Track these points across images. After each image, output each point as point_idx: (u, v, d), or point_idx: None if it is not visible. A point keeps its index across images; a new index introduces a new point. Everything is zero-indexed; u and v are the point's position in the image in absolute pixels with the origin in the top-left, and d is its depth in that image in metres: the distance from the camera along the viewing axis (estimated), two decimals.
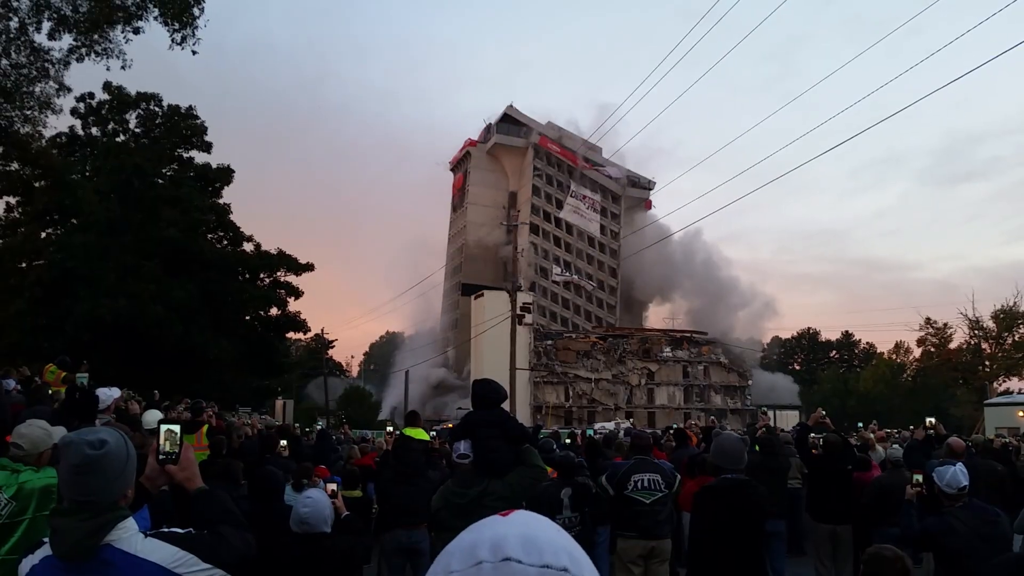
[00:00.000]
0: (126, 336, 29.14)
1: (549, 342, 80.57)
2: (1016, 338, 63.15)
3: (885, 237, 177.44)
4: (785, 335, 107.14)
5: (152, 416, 9.34)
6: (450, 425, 27.59)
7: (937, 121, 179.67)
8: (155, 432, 2.93)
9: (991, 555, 4.85)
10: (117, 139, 36.76)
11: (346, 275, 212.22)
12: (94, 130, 36.79)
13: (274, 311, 38.04)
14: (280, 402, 59.21)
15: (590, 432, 15.76)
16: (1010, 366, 62.49)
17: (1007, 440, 17.63)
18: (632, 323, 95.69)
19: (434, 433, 14.63)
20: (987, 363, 63.58)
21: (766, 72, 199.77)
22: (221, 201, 38.23)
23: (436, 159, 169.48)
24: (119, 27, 19.21)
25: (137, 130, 37.59)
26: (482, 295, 75.91)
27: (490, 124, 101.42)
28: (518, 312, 37.41)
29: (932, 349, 69.95)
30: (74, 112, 35.21)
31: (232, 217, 38.18)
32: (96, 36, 19.17)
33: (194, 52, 19.58)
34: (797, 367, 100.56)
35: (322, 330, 63.39)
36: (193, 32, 19.27)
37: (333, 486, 5.94)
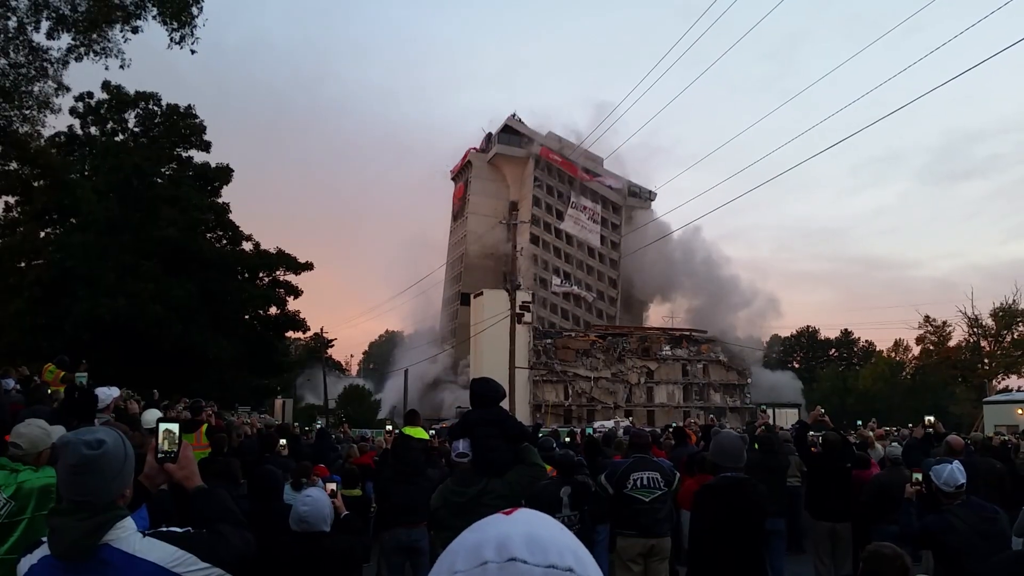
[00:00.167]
0: (125, 335, 29.13)
1: (548, 341, 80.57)
2: (1015, 336, 63.22)
3: (884, 235, 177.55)
4: (784, 333, 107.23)
5: (151, 415, 9.34)
6: (446, 424, 27.64)
7: (936, 119, 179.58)
8: (154, 431, 2.93)
9: (990, 553, 4.86)
10: (116, 138, 36.74)
11: (345, 274, 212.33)
12: (93, 129, 36.78)
13: (273, 310, 38.05)
14: (279, 401, 59.26)
15: (589, 431, 15.75)
16: (1009, 364, 62.56)
17: (1006, 438, 17.67)
18: (632, 323, 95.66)
19: (433, 432, 14.62)
20: (986, 361, 63.64)
21: (765, 70, 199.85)
22: (220, 200, 38.24)
23: (435, 158, 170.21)
24: (118, 26, 19.22)
25: (136, 129, 37.57)
26: (481, 294, 75.93)
27: (491, 133, 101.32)
28: (517, 311, 37.44)
29: (931, 347, 70.03)
30: (73, 111, 35.21)
31: (231, 216, 38.24)
32: (95, 35, 19.17)
33: (193, 51, 19.61)
34: (796, 365, 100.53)
35: (321, 329, 63.37)
36: (192, 31, 19.28)
37: (333, 486, 5.94)
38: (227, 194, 39.05)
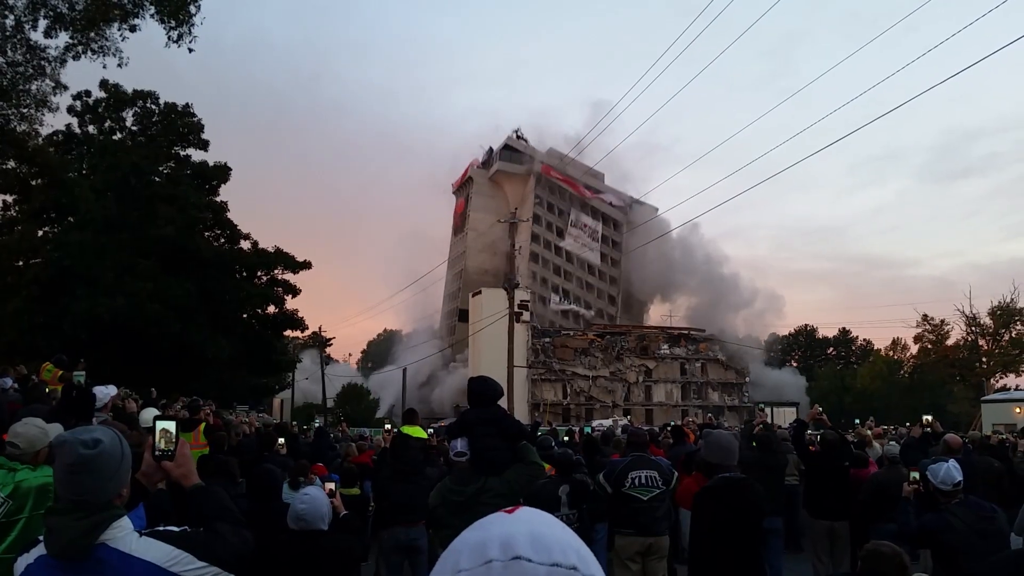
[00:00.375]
0: (123, 334, 29.11)
1: (547, 340, 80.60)
2: (1013, 335, 63.34)
3: (883, 234, 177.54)
4: (783, 332, 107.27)
5: (149, 414, 9.33)
6: (443, 423, 27.58)
7: (935, 118, 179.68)
8: (151, 429, 2.93)
9: (989, 551, 4.86)
10: (114, 137, 36.69)
11: (344, 273, 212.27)
12: (91, 128, 36.73)
13: (271, 309, 38.01)
14: (278, 400, 59.29)
15: (587, 429, 15.75)
16: (1007, 363, 62.68)
17: (1004, 436, 17.69)
18: (632, 322, 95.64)
19: (431, 431, 14.63)
20: (984, 360, 63.77)
21: (763, 69, 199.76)
22: (218, 199, 38.17)
23: (434, 157, 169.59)
24: (115, 25, 19.18)
25: (134, 128, 37.51)
26: (480, 293, 75.90)
27: (492, 149, 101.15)
28: (516, 309, 37.44)
29: (929, 346, 70.17)
30: (71, 110, 35.18)
31: (229, 215, 38.15)
32: (92, 34, 19.13)
33: (190, 50, 19.59)
34: (795, 364, 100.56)
35: (320, 328, 63.38)
36: (189, 30, 19.26)
37: (332, 485, 5.94)
38: (225, 193, 38.99)
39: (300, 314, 38.87)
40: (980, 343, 65.50)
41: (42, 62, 19.77)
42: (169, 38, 19.20)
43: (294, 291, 38.22)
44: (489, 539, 0.93)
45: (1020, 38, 13.68)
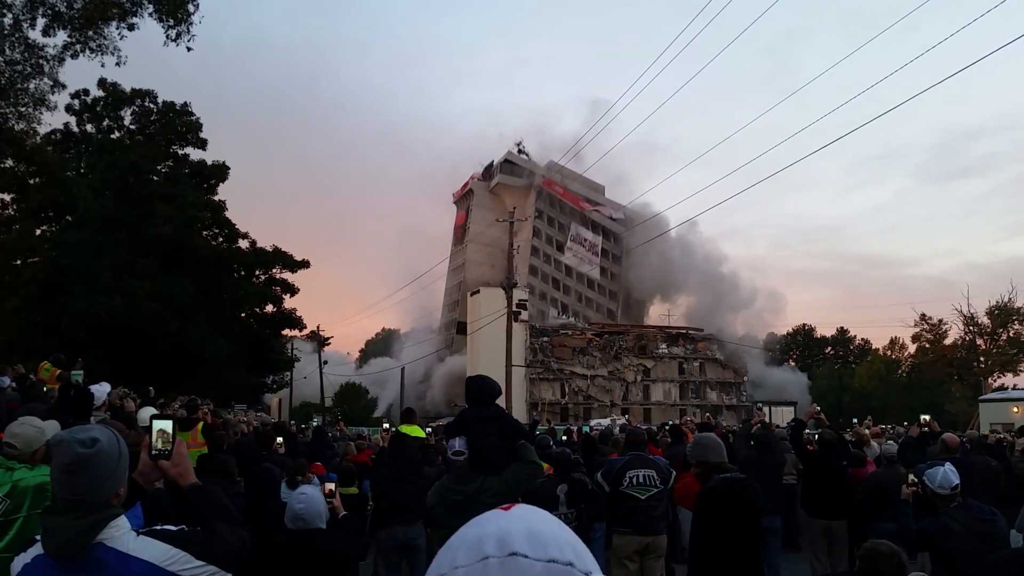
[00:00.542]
0: (121, 333, 29.10)
1: (545, 339, 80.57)
2: (1011, 334, 63.38)
3: (881, 233, 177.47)
4: (781, 331, 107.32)
5: (147, 413, 9.31)
6: (442, 422, 27.64)
7: (933, 117, 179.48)
8: (148, 429, 2.93)
9: (988, 554, 4.86)
10: (112, 136, 36.66)
11: (342, 272, 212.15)
12: (89, 127, 36.69)
13: (270, 308, 38.00)
14: (276, 399, 59.25)
15: (586, 429, 15.75)
16: (1005, 362, 62.71)
17: (1002, 436, 17.70)
18: (632, 322, 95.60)
19: (430, 430, 14.64)
20: (982, 359, 63.80)
21: (762, 68, 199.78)
22: (216, 198, 38.16)
23: (433, 157, 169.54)
24: (113, 23, 19.17)
25: (132, 127, 37.48)
26: (478, 292, 75.87)
27: (492, 163, 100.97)
28: (514, 308, 37.42)
29: (927, 345, 70.20)
30: (69, 109, 35.13)
31: (227, 214, 38.15)
32: (90, 32, 19.11)
33: (189, 48, 19.59)
34: (792, 363, 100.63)
35: (318, 327, 63.32)
36: (188, 28, 19.25)
37: (331, 485, 5.94)
38: (223, 192, 39.01)
39: (298, 313, 38.94)
40: (978, 342, 65.54)
41: (40, 61, 19.75)
42: (167, 37, 19.20)
43: (292, 290, 38.24)
44: (486, 535, 0.93)
45: (1019, 38, 13.69)
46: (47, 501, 3.73)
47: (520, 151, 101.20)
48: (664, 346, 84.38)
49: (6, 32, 18.90)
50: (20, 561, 2.55)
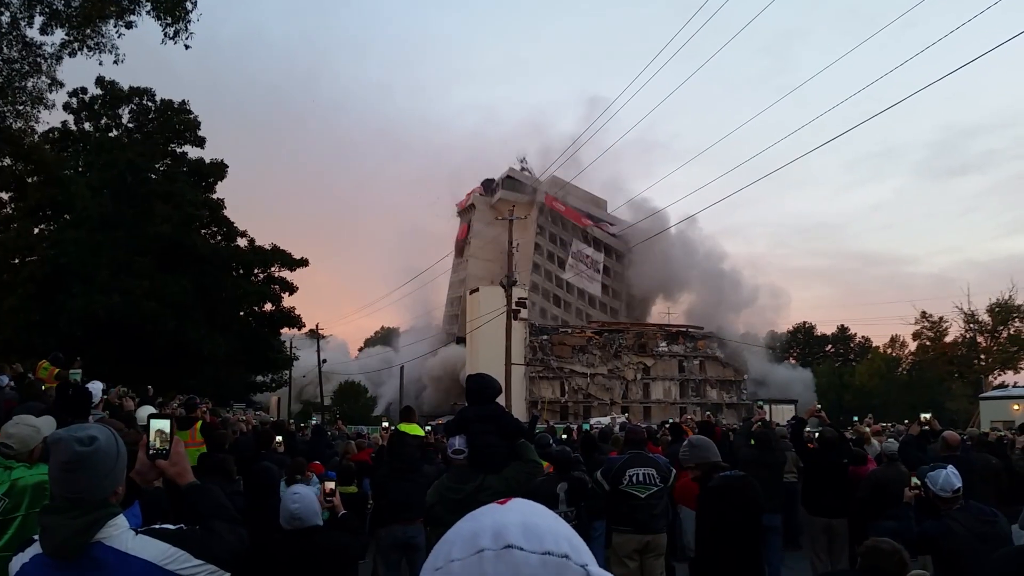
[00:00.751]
0: (120, 332, 29.09)
1: (544, 337, 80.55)
2: (1011, 331, 63.35)
3: (881, 231, 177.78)
4: (781, 330, 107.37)
5: (146, 412, 9.29)
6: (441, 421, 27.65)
7: (932, 115, 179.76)
8: (146, 428, 2.91)
9: (990, 555, 4.85)
10: (110, 134, 36.66)
11: (341, 271, 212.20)
12: (87, 125, 36.68)
13: (268, 307, 37.99)
14: (275, 397, 59.20)
15: (586, 427, 15.74)
16: (1005, 360, 62.68)
17: (1002, 433, 17.67)
18: (635, 320, 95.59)
19: (429, 428, 14.62)
20: (982, 357, 63.78)
21: (761, 66, 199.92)
22: (215, 196, 38.13)
23: (432, 154, 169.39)
24: (111, 21, 19.11)
25: (130, 125, 37.47)
26: (477, 291, 75.85)
27: (495, 179, 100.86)
28: (513, 307, 37.41)
29: (928, 343, 70.15)
30: (67, 107, 35.11)
31: (226, 212, 38.12)
32: (88, 30, 19.06)
33: (187, 46, 19.52)
34: (793, 361, 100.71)
35: (317, 326, 63.29)
36: (186, 26, 19.18)
37: (331, 484, 5.92)
38: (222, 190, 38.99)
39: (297, 312, 38.93)
40: (978, 340, 65.53)
41: (38, 59, 19.71)
42: (165, 35, 19.15)
43: (291, 288, 38.20)
44: (481, 529, 0.94)
45: (1018, 35, 13.66)
46: (45, 500, 3.72)
47: (523, 168, 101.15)
48: (664, 344, 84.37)
49: (3, 30, 18.87)
50: (19, 561, 2.54)
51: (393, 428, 9.77)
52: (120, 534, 2.51)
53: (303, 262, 38.02)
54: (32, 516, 4.01)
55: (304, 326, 42.33)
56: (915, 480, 6.02)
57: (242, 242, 37.89)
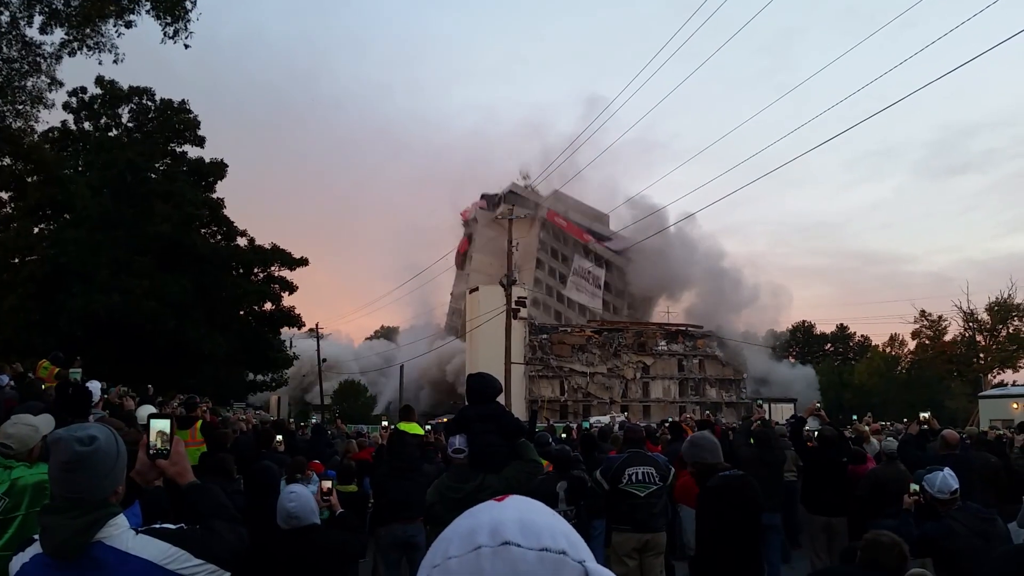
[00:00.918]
0: (120, 331, 29.06)
1: (544, 336, 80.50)
2: (1010, 330, 63.48)
3: (880, 230, 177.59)
4: (781, 329, 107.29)
5: (146, 411, 9.30)
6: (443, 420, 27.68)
7: (932, 113, 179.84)
8: (146, 427, 2.91)
9: (991, 553, 4.87)
10: (110, 134, 36.60)
11: (341, 270, 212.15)
12: (86, 125, 36.63)
13: (268, 306, 37.94)
14: (275, 396, 59.17)
15: (586, 426, 15.74)
16: (1004, 358, 62.79)
17: (1001, 432, 17.68)
18: (637, 320, 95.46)
19: (429, 427, 14.62)
20: (981, 355, 63.90)
21: (761, 65, 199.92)
22: (214, 196, 38.05)
23: (431, 154, 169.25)
24: (111, 21, 19.11)
25: (130, 124, 37.41)
26: (477, 289, 75.84)
27: (497, 195, 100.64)
28: (513, 306, 37.41)
29: (927, 341, 70.31)
30: (66, 107, 35.05)
31: (226, 212, 38.04)
32: (88, 30, 19.05)
33: (186, 46, 19.52)
34: (792, 359, 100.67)
35: (317, 325, 63.22)
36: (185, 25, 19.18)
37: (328, 483, 5.92)
38: (221, 189, 38.85)
39: (296, 311, 38.89)
40: (977, 339, 65.65)
41: (37, 58, 19.70)
42: (165, 34, 19.14)
43: (291, 288, 38.17)
44: (478, 526, 0.94)
45: (1017, 34, 13.67)
46: (46, 499, 3.72)
47: (527, 186, 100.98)
48: (663, 343, 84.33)
49: (3, 30, 18.86)
50: (19, 561, 2.54)
51: (393, 427, 9.78)
52: (120, 534, 2.51)
53: (303, 261, 37.97)
54: (32, 515, 4.01)
55: (304, 325, 42.29)
56: (913, 487, 6.03)
57: (242, 241, 37.83)
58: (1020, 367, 63.73)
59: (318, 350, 63.92)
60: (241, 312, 37.38)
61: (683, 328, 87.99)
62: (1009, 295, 63.59)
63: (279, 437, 10.81)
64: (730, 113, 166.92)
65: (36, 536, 2.54)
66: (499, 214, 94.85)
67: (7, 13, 18.67)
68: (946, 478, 5.53)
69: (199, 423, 10.97)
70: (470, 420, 5.62)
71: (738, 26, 26.56)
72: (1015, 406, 38.79)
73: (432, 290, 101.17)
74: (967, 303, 65.37)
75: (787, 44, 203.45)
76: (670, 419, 20.47)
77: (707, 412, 47.53)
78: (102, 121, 36.79)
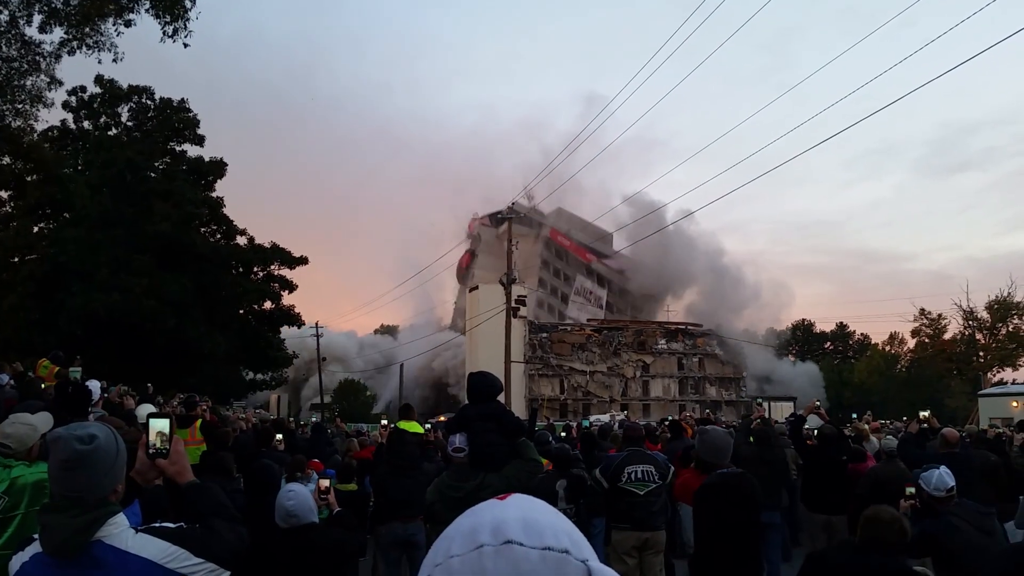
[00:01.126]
0: (119, 330, 29.07)
1: (544, 335, 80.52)
2: (1010, 328, 63.51)
3: (880, 228, 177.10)
4: (780, 327, 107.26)
5: (145, 410, 9.29)
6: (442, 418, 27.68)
7: (931, 112, 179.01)
8: (145, 427, 2.91)
9: (992, 548, 4.87)
10: (109, 133, 36.61)
11: (340, 269, 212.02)
12: (86, 124, 36.64)
13: (268, 305, 37.96)
14: (275, 396, 59.21)
15: (585, 424, 15.75)
16: (1004, 356, 62.85)
17: (1001, 430, 17.69)
18: (640, 318, 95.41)
19: (428, 426, 14.62)
20: (981, 354, 63.95)
21: (760, 63, 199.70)
22: (214, 194, 38.06)
23: (430, 152, 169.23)
24: (110, 20, 19.10)
25: (129, 123, 37.43)
26: (476, 288, 75.84)
27: (500, 213, 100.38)
28: (513, 305, 37.41)
29: (927, 340, 70.34)
30: (66, 106, 35.07)
31: (225, 211, 38.05)
32: (87, 29, 19.05)
33: (186, 45, 19.51)
34: (791, 358, 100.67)
35: (316, 324, 63.16)
36: (185, 24, 19.17)
37: (326, 482, 5.92)
38: (221, 188, 38.87)
39: (296, 310, 38.92)
40: (977, 337, 65.72)
41: (37, 57, 19.70)
42: (164, 33, 19.13)
43: (290, 287, 38.18)
44: (481, 524, 0.93)
45: (1017, 32, 13.68)
46: (45, 498, 3.72)
47: (531, 205, 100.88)
48: (663, 342, 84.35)
49: (2, 29, 18.85)
50: (18, 560, 2.54)
51: (392, 426, 9.77)
52: (120, 532, 2.51)
53: (302, 260, 37.99)
54: (32, 514, 4.01)
55: (304, 324, 42.34)
56: (909, 490, 6.03)
57: (241, 240, 37.86)
58: (1020, 365, 63.82)
59: (318, 349, 63.91)
60: (241, 311, 37.40)
61: (683, 327, 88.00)
62: (1009, 293, 63.67)
63: (279, 436, 10.80)
64: (730, 111, 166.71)
65: (36, 535, 2.54)
66: (502, 231, 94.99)
67: (6, 12, 18.66)
68: (942, 475, 5.53)
69: (199, 422, 10.97)
70: (470, 419, 5.62)
71: (737, 24, 26.59)
72: (1015, 404, 38.85)
73: (433, 289, 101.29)
74: (967, 301, 65.48)
75: (787, 42, 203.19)
76: (670, 417, 20.48)
77: (707, 410, 47.64)
78: (101, 120, 36.81)
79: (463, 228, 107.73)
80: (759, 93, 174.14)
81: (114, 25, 19.27)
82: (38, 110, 21.33)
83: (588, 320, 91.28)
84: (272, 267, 37.69)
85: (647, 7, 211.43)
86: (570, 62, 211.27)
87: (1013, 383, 52.49)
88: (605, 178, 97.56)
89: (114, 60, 20.14)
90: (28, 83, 20.20)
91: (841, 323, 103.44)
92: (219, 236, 37.75)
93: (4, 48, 19.21)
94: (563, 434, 16.32)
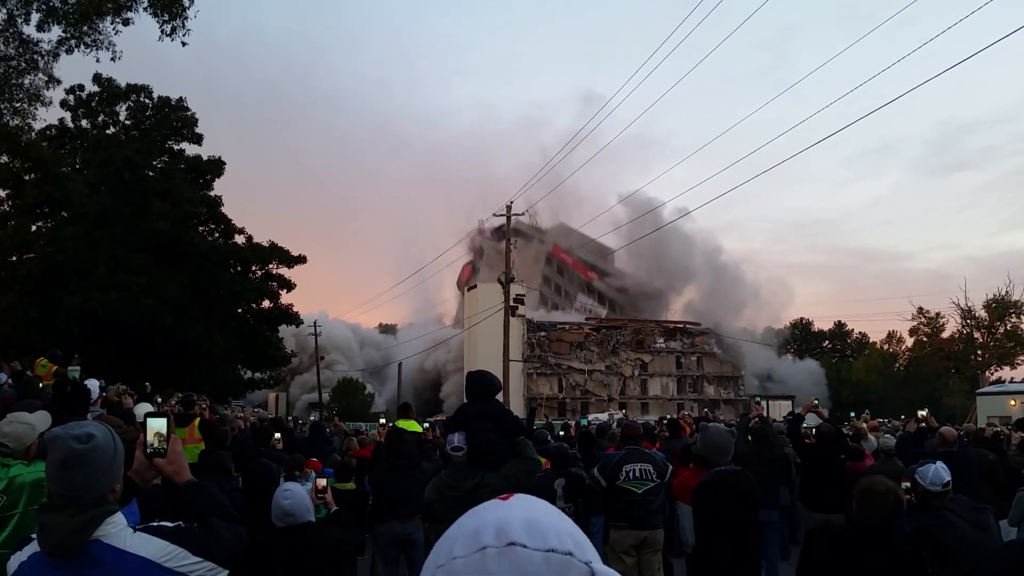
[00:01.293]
0: (117, 329, 29.04)
1: (542, 333, 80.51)
2: (1008, 327, 63.56)
3: (878, 227, 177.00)
4: (778, 326, 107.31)
5: (143, 409, 9.30)
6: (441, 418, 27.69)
7: (930, 110, 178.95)
8: (142, 426, 2.91)
9: (988, 544, 4.87)
10: (107, 131, 36.56)
11: (339, 268, 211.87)
12: (84, 122, 36.61)
13: (266, 304, 37.94)
14: (273, 395, 59.20)
15: (584, 423, 15.78)
16: (1002, 355, 62.90)
17: (998, 429, 17.72)
18: (633, 317, 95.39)
19: (427, 425, 14.63)
20: (979, 352, 64.00)
21: (759, 62, 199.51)
22: (212, 193, 38.02)
23: (429, 151, 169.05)
24: (108, 18, 19.08)
25: (127, 122, 37.39)
26: (475, 287, 75.84)
27: (502, 227, 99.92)
28: (511, 304, 37.39)
29: (925, 339, 70.38)
30: (64, 104, 35.05)
31: (223, 209, 38.02)
32: (85, 27, 19.03)
33: (184, 43, 19.48)
34: (790, 356, 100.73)
35: (315, 323, 63.13)
36: (183, 23, 19.14)
37: (323, 481, 5.92)
38: (219, 187, 38.85)
39: (295, 309, 38.90)
40: (975, 336, 65.76)
41: (35, 56, 19.68)
42: (162, 32, 19.11)
43: (289, 286, 38.16)
44: (484, 525, 0.93)
45: (1016, 31, 13.69)
46: (43, 497, 3.72)
47: (533, 223, 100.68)
48: (662, 340, 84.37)
49: (0, 27, 18.83)
50: (16, 559, 2.54)
51: (391, 424, 9.77)
52: (118, 531, 2.51)
53: (301, 259, 37.98)
54: (30, 513, 4.01)
55: (302, 323, 42.34)
56: (905, 484, 6.03)
57: (240, 239, 37.84)
58: (1018, 364, 63.92)
59: (316, 347, 63.89)
60: (239, 310, 37.37)
61: (681, 325, 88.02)
62: (1007, 292, 63.74)
63: (277, 435, 10.80)
64: (728, 110, 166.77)
65: (34, 535, 2.54)
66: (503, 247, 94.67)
67: (4, 10, 18.64)
68: (938, 470, 5.54)
69: (197, 421, 10.97)
70: (469, 418, 5.62)
71: (736, 23, 26.57)
72: (1012, 403, 38.91)
73: (433, 289, 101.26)
74: (965, 300, 65.52)
75: (785, 41, 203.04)
76: (668, 416, 20.49)
77: (705, 409, 47.64)
78: (100, 119, 36.78)
79: (462, 227, 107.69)
80: (757, 92, 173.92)
81: (112, 23, 19.26)
82: (36, 109, 21.32)
83: (587, 319, 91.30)
84: (270, 266, 37.68)
85: (646, 6, 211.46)
86: (569, 61, 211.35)
87: (1011, 382, 52.58)
88: (604, 177, 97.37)
89: (112, 59, 20.14)
90: (26, 82, 20.19)
91: (839, 322, 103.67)
92: (217, 235, 37.72)
93: (2, 46, 19.19)
94: (561, 433, 16.32)
